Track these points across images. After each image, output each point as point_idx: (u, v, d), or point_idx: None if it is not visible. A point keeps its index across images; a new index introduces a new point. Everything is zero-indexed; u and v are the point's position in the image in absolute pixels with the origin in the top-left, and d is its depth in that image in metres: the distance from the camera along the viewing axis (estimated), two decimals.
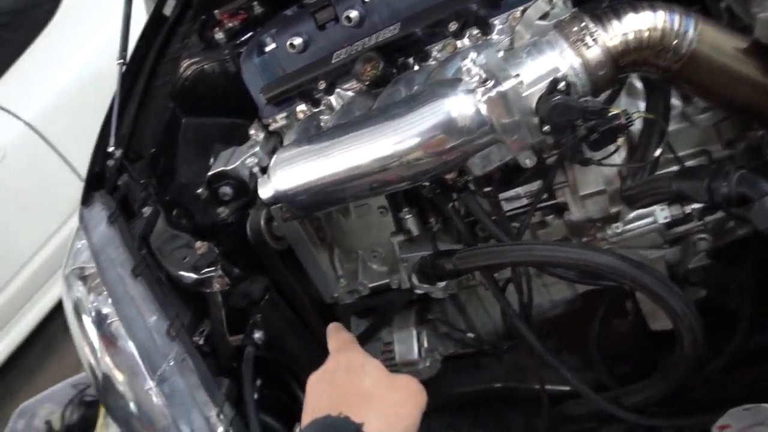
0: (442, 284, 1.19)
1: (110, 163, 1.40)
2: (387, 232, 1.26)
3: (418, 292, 1.22)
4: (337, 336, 0.84)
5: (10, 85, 3.26)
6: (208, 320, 1.09)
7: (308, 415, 0.67)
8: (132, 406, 1.04)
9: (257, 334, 1.08)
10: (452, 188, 1.05)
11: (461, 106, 0.83)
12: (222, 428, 0.98)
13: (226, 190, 1.25)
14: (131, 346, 1.07)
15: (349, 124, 0.99)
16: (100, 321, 1.13)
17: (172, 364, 1.03)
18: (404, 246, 1.23)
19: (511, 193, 1.13)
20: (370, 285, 1.32)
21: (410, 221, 1.23)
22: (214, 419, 0.98)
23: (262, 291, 1.11)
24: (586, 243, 1.15)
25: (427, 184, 1.02)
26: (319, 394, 0.70)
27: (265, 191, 1.01)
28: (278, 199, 1.01)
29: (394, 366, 1.31)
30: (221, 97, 1.39)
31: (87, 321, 1.16)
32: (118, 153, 1.39)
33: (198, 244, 1.10)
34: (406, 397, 0.67)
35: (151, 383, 1.03)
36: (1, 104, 3.20)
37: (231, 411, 1.00)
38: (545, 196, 1.12)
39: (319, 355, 0.85)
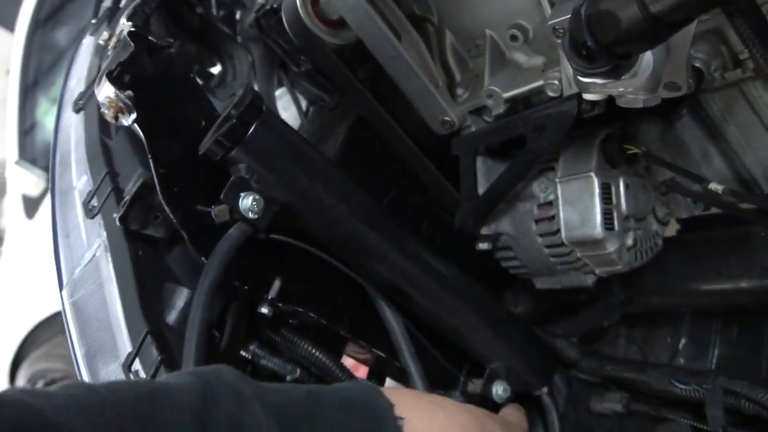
0: (644, 74, 0.51)
1: None
2: None
3: (591, 98, 0.57)
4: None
5: None
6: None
7: None
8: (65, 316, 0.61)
9: (246, 200, 0.53)
10: None
11: None
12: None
13: None
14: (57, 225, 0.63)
15: None
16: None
17: (90, 260, 0.57)
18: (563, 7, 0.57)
19: None
20: (508, 93, 0.69)
21: None
22: (119, 367, 0.50)
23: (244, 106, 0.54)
24: None
25: None
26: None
27: None
28: None
29: (558, 246, 0.70)
30: None
31: None
32: None
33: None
34: None
35: (63, 293, 0.58)
36: None
37: (158, 353, 0.49)
38: None
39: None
